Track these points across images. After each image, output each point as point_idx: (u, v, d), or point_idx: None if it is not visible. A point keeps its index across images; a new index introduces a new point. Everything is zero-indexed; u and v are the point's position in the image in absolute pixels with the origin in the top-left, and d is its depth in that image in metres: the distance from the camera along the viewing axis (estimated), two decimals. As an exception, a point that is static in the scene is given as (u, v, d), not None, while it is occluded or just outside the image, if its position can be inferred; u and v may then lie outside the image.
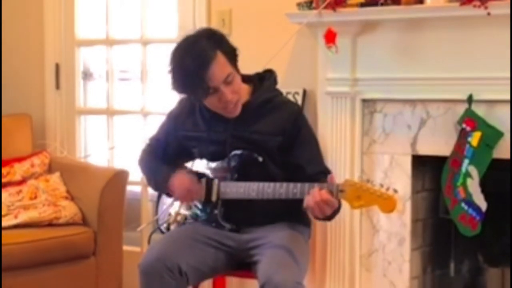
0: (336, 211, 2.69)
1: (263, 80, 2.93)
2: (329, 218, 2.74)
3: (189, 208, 2.99)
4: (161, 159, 3.00)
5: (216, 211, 2.87)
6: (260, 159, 2.82)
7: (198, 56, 2.69)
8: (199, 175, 2.92)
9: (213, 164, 2.90)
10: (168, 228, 3.02)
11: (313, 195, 2.58)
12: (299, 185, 2.65)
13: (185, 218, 2.99)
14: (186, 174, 2.92)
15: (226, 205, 2.86)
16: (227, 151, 2.84)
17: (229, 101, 2.76)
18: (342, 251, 3.49)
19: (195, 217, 2.96)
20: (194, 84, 2.71)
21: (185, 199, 2.93)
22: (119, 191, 3.84)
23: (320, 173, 2.83)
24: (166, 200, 3.09)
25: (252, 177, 2.78)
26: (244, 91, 2.87)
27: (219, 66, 2.70)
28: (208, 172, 2.92)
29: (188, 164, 3.07)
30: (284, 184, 2.69)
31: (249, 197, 2.76)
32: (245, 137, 2.83)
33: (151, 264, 2.71)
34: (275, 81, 2.96)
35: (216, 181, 2.86)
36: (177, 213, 3.01)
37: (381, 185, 2.55)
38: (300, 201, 2.66)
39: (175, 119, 3.02)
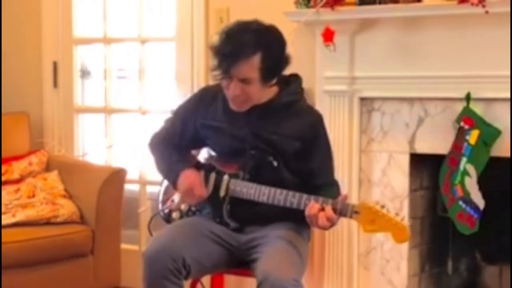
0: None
1: (289, 84, 2.93)
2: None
3: (194, 205, 2.97)
4: (174, 147, 2.99)
5: (222, 208, 2.86)
6: (275, 163, 2.83)
7: (237, 45, 2.70)
8: (209, 169, 2.91)
9: (226, 158, 2.90)
10: (169, 214, 3.01)
11: (318, 209, 2.62)
12: (312, 197, 2.67)
13: (189, 208, 2.98)
14: (194, 171, 2.90)
15: (232, 203, 2.86)
16: (246, 149, 2.84)
17: (232, 96, 2.77)
18: (340, 249, 3.49)
19: (200, 209, 2.95)
20: (220, 63, 2.73)
21: (186, 196, 2.91)
22: (117, 190, 3.84)
23: (328, 184, 2.85)
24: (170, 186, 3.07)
25: (263, 180, 2.79)
26: (270, 91, 2.86)
27: (247, 66, 2.70)
28: (216, 164, 2.90)
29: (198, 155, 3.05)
30: (297, 194, 2.70)
31: (258, 200, 2.77)
32: (264, 137, 2.84)
33: (156, 253, 2.70)
34: (300, 86, 2.97)
35: (226, 177, 2.86)
36: (181, 202, 2.99)
37: (397, 214, 2.57)
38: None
39: (195, 106, 3.00)
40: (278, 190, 2.73)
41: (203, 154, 3.03)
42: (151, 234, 3.04)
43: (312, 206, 2.64)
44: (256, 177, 2.81)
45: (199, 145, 3.02)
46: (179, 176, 2.89)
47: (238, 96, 2.77)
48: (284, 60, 2.80)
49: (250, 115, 2.84)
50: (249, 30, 2.75)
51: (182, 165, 2.92)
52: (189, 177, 2.88)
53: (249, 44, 2.69)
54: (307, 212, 2.65)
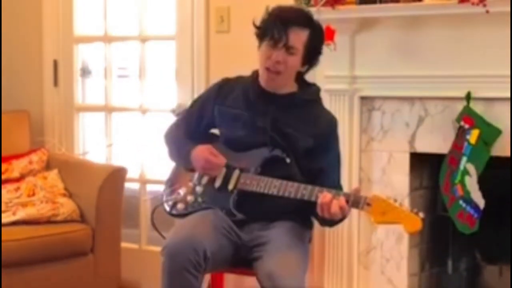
0: (342, 219, 2.74)
1: (310, 86, 2.98)
2: (332, 224, 2.81)
3: (200, 197, 2.96)
4: (189, 135, 2.99)
5: (229, 198, 2.86)
6: (288, 160, 2.84)
7: (293, 14, 2.84)
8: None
9: (238, 151, 2.90)
10: (173, 206, 2.99)
11: (331, 198, 2.64)
12: (324, 189, 2.68)
13: (195, 200, 2.96)
14: (208, 146, 2.90)
15: (240, 195, 2.86)
16: (263, 138, 2.85)
17: (272, 63, 2.80)
18: (340, 249, 3.50)
19: (206, 200, 2.92)
20: (273, 27, 2.81)
21: (203, 169, 2.90)
22: (117, 188, 3.84)
23: (334, 187, 2.85)
24: (176, 178, 3.06)
25: (273, 176, 2.79)
26: (293, 84, 2.91)
27: (297, 35, 2.79)
28: (227, 158, 2.89)
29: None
30: (309, 186, 2.71)
31: (268, 192, 2.77)
32: (280, 128, 2.85)
33: (178, 244, 2.66)
34: (319, 91, 3.00)
35: (237, 171, 2.85)
36: (187, 194, 2.97)
37: (411, 210, 2.60)
38: (313, 203, 2.69)
39: (214, 93, 3.00)
40: (290, 183, 2.74)
41: None
42: (153, 224, 3.00)
43: (325, 195, 2.65)
44: (266, 173, 2.82)
45: (211, 138, 3.03)
46: (192, 155, 2.89)
47: (278, 64, 2.79)
48: (320, 53, 2.89)
49: (270, 104, 2.87)
50: (302, 10, 2.93)
51: (192, 143, 2.92)
52: (202, 151, 2.87)
53: (302, 18, 2.83)
54: (320, 200, 2.65)
